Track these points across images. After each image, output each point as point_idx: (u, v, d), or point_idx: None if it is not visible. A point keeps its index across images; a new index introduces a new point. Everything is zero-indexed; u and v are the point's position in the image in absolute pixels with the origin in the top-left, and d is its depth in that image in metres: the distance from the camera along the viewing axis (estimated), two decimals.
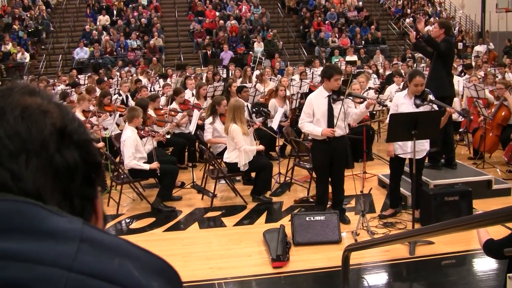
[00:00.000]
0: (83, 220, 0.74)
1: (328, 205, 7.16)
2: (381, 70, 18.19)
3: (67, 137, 0.80)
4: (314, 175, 7.60)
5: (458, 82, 10.96)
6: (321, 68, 17.68)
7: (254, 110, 10.28)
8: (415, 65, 19.36)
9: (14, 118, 0.77)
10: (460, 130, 10.77)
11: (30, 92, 0.83)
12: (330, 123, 6.68)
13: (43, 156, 0.77)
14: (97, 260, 0.70)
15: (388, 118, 6.88)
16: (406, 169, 7.44)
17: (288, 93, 11.42)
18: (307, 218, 6.46)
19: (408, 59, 20.71)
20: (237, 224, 7.32)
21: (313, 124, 6.73)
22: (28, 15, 26.09)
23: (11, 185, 0.74)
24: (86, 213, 0.82)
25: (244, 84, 12.03)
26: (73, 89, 13.57)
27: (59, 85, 16.03)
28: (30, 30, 25.14)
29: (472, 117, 10.24)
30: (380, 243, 4.29)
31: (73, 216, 0.74)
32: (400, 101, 6.80)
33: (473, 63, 17.48)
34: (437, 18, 27.17)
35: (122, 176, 7.99)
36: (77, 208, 0.80)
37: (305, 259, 6.05)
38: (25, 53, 23.43)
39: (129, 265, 0.72)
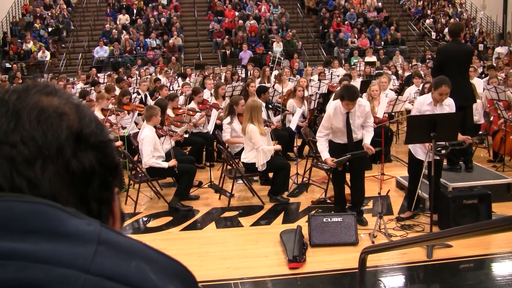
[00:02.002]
0: (100, 222, 0.74)
1: (347, 206, 7.16)
2: (400, 71, 18.08)
3: (83, 140, 0.79)
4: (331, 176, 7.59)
5: (478, 84, 10.84)
6: (340, 68, 17.70)
7: (269, 106, 10.27)
8: None
9: (30, 122, 0.76)
10: (480, 132, 10.68)
11: (47, 93, 0.82)
12: (349, 138, 6.85)
13: (59, 161, 0.76)
14: (114, 263, 0.70)
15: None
16: (424, 171, 7.40)
17: (306, 94, 11.39)
18: (324, 219, 6.44)
19: (428, 60, 20.58)
20: (254, 224, 7.32)
21: (329, 138, 6.92)
22: (49, 13, 26.34)
23: (27, 192, 0.74)
24: (103, 216, 0.82)
25: (266, 85, 12.01)
26: (93, 88, 13.66)
27: (78, 83, 16.17)
28: (51, 29, 25.36)
29: (492, 119, 10.15)
30: (397, 246, 4.26)
31: (91, 218, 0.74)
32: (424, 108, 6.73)
33: (494, 65, 17.32)
34: (457, 19, 27.01)
35: (140, 175, 8.03)
36: (94, 212, 0.79)
37: (321, 260, 6.03)
38: (46, 51, 23.64)
39: (145, 268, 0.72)
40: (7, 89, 0.83)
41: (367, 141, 6.87)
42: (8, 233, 0.68)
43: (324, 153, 6.86)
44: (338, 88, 10.58)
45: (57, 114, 0.79)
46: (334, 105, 6.80)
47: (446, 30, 25.74)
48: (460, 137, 6.82)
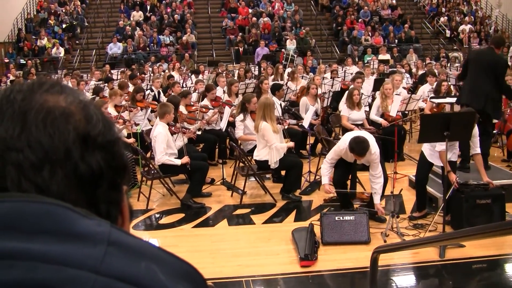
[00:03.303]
0: (110, 223, 0.74)
1: (357, 205, 7.17)
2: (414, 70, 18.00)
3: (91, 141, 0.78)
4: None
5: None
6: (354, 66, 17.63)
7: (286, 108, 10.26)
8: (448, 64, 19.13)
9: (36, 126, 0.76)
10: (494, 131, 10.60)
11: (53, 91, 0.81)
12: (355, 164, 7.08)
13: (67, 165, 0.76)
14: (124, 263, 0.70)
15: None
16: (437, 169, 7.36)
17: (319, 92, 11.36)
18: (336, 218, 6.43)
19: (441, 59, 20.48)
20: (266, 222, 7.32)
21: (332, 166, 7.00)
22: (64, 10, 26.48)
23: None
24: (112, 217, 0.81)
25: (280, 83, 11.99)
26: (106, 84, 13.71)
27: (92, 80, 16.26)
28: (65, 26, 25.50)
29: (507, 118, 10.08)
30: (410, 246, 4.24)
31: (101, 219, 0.74)
32: None
33: (509, 63, 17.19)
34: (472, 17, 26.84)
35: (152, 172, 8.05)
36: (103, 213, 0.79)
37: (333, 259, 6.02)
38: (60, 47, 23.77)
39: (155, 269, 0.72)
40: (13, 87, 0.82)
41: (376, 200, 6.77)
42: (19, 233, 0.68)
43: (325, 178, 6.89)
44: (351, 86, 10.56)
45: (63, 116, 0.78)
46: (345, 144, 6.68)
47: (462, 27, 25.61)
48: (485, 178, 6.80)
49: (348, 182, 7.37)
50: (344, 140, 6.71)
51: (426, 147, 6.97)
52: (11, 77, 19.17)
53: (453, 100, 9.03)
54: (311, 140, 9.66)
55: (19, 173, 0.74)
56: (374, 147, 6.59)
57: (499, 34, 11.14)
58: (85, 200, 0.77)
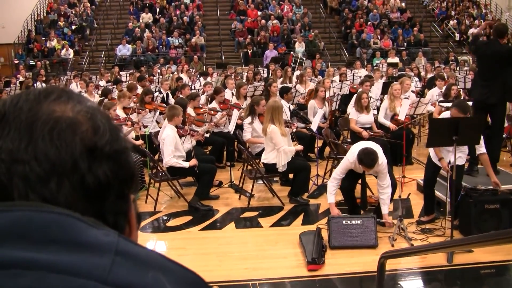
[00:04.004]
0: (118, 233, 0.74)
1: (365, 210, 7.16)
2: (423, 73, 17.94)
3: (98, 152, 0.78)
4: None
5: None
6: (362, 69, 17.61)
7: (294, 112, 10.25)
8: (458, 68, 19.06)
9: (43, 138, 0.75)
10: (504, 136, 10.55)
11: (60, 101, 0.80)
12: (363, 176, 6.98)
13: (74, 177, 0.75)
14: (131, 273, 0.70)
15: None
16: (445, 173, 7.33)
17: (328, 95, 11.34)
18: (344, 222, 6.42)
19: (451, 62, 20.42)
20: (273, 225, 7.32)
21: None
22: (73, 12, 26.59)
23: None
24: (119, 227, 0.82)
25: (289, 86, 11.98)
26: (115, 86, 13.75)
27: (102, 81, 16.32)
28: (74, 27, 25.60)
29: None
30: (417, 252, 4.22)
31: (109, 229, 0.74)
32: None
33: None
34: (482, 21, 26.72)
35: (160, 174, 8.06)
36: (110, 223, 0.79)
37: (340, 263, 6.01)
38: (69, 49, 23.86)
39: (162, 279, 0.72)
40: (20, 96, 0.81)
41: (384, 211, 6.77)
42: (28, 243, 0.69)
43: (331, 197, 6.84)
44: (360, 89, 10.54)
45: (70, 127, 0.78)
46: (353, 157, 6.68)
47: (471, 30, 25.54)
48: (493, 178, 6.80)
49: (358, 188, 7.32)
50: (352, 153, 6.71)
51: (431, 150, 6.97)
52: (21, 78, 19.26)
53: None
54: (319, 143, 9.65)
55: (26, 185, 0.74)
56: (382, 158, 6.59)
57: (500, 23, 11.03)
58: (92, 211, 0.77)
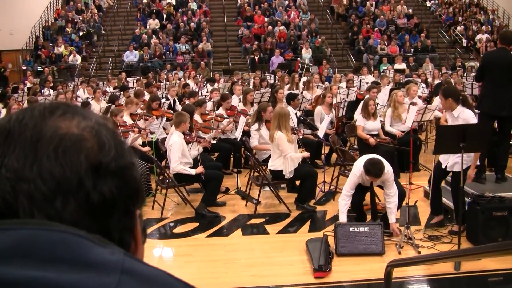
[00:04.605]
0: (124, 251, 0.74)
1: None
2: (430, 79, 17.89)
3: (103, 169, 0.78)
4: None
5: None
6: (369, 75, 17.59)
7: (301, 118, 10.24)
8: (465, 74, 19.01)
9: (48, 156, 0.75)
10: None
11: (66, 117, 0.80)
12: (371, 189, 6.93)
13: (79, 195, 0.75)
14: None
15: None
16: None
17: (334, 101, 11.33)
18: (350, 229, 6.41)
19: (458, 68, 20.36)
20: (280, 232, 7.31)
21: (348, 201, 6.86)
22: (81, 18, 26.71)
23: None
24: (125, 243, 0.82)
25: (295, 92, 11.97)
26: (122, 93, 13.78)
27: (108, 87, 16.36)
28: (82, 33, 25.71)
29: None
30: (424, 261, 4.21)
31: (115, 247, 0.74)
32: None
33: None
34: (489, 27, 26.68)
35: (167, 180, 8.07)
36: (116, 240, 0.79)
37: (347, 270, 6.00)
38: (77, 55, 23.97)
39: None
40: (25, 112, 0.81)
41: (392, 220, 6.74)
42: (34, 261, 0.69)
43: (343, 216, 6.76)
44: (367, 96, 10.52)
45: (75, 146, 0.77)
46: (359, 170, 6.68)
47: (479, 36, 25.48)
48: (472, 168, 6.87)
49: (367, 198, 7.30)
50: (358, 167, 6.72)
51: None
52: (28, 84, 19.33)
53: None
54: (325, 149, 9.64)
55: (31, 203, 0.74)
56: (387, 166, 6.61)
57: (506, 30, 10.85)
58: (98, 227, 0.77)
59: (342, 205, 6.81)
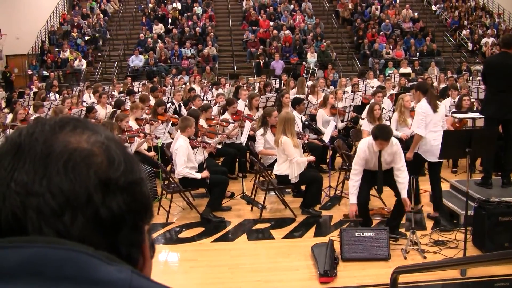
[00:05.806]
0: (132, 268, 0.74)
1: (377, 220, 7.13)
2: (435, 83, 17.85)
3: (112, 185, 0.78)
4: None
5: None
6: (375, 80, 17.56)
7: (306, 123, 10.23)
8: (471, 78, 18.96)
9: (57, 172, 0.75)
10: None
11: (76, 132, 0.81)
12: (380, 170, 6.86)
13: (88, 210, 0.76)
14: None
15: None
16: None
17: (340, 106, 11.32)
18: (356, 234, 6.40)
19: (463, 72, 20.32)
20: (285, 237, 7.30)
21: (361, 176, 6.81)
22: (86, 23, 26.79)
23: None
24: (133, 259, 0.81)
25: (301, 97, 11.95)
26: (128, 97, 13.80)
27: (114, 92, 16.39)
28: (87, 38, 25.78)
29: None
30: (430, 268, 4.20)
31: (123, 264, 0.74)
32: None
33: None
34: (494, 30, 26.62)
35: (172, 185, 8.07)
36: (124, 256, 0.79)
37: (353, 275, 5.99)
38: (82, 60, 24.04)
39: None
40: (35, 126, 0.81)
41: (404, 194, 6.69)
42: (41, 280, 0.69)
43: (353, 197, 6.75)
44: (372, 100, 10.51)
45: (85, 161, 0.78)
46: (366, 143, 6.76)
47: (484, 40, 25.44)
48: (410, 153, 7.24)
49: (372, 200, 7.29)
50: (363, 142, 6.85)
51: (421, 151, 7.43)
52: (34, 89, 19.38)
53: (476, 115, 8.89)
54: (330, 154, 9.62)
55: (40, 218, 0.74)
56: (395, 140, 6.75)
57: (506, 34, 10.79)
58: (106, 243, 0.77)
59: (351, 186, 6.82)
